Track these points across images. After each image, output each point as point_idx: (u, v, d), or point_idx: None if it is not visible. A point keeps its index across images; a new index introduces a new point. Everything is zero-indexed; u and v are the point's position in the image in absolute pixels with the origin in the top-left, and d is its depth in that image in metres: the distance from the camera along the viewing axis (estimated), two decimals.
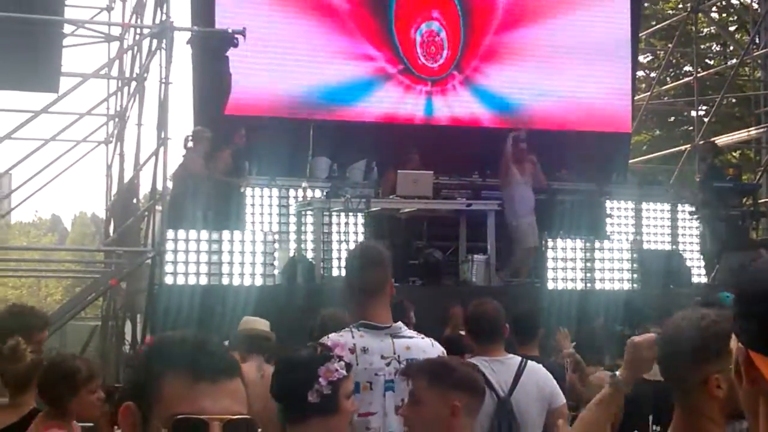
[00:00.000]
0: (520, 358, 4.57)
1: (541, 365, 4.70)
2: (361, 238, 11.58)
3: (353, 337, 3.78)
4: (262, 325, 6.24)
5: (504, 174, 12.70)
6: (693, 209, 13.82)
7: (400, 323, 3.87)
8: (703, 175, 14.64)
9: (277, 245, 11.24)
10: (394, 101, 15.48)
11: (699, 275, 13.53)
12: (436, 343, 3.90)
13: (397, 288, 11.66)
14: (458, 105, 15.83)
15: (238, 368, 1.75)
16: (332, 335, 3.82)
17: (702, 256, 13.68)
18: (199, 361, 1.70)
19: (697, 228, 14.00)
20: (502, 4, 16.12)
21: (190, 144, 11.76)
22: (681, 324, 2.75)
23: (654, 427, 4.03)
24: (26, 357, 4.33)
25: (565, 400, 4.55)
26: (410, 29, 15.51)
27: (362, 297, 3.91)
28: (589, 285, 11.82)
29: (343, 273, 11.47)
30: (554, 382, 4.58)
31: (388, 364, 3.72)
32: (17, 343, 4.31)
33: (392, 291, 3.98)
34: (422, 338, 3.89)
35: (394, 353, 3.72)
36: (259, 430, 1.73)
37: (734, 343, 1.55)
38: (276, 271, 10.99)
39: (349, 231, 11.59)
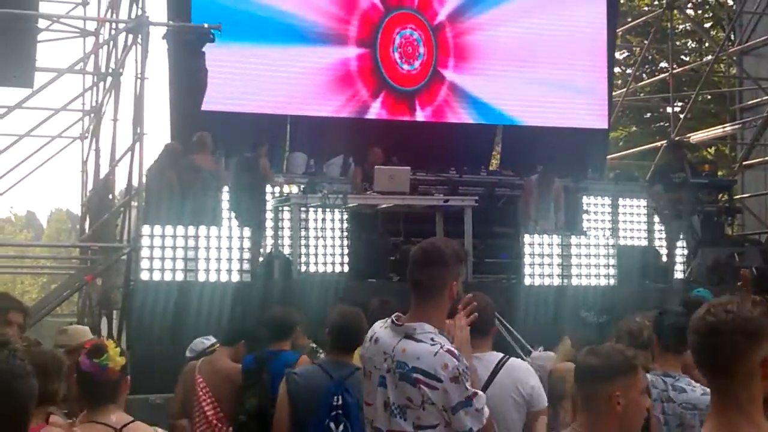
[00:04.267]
0: (501, 355, 4.43)
1: (527, 364, 4.61)
2: (338, 233, 11.57)
3: (382, 326, 3.81)
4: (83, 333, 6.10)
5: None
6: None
7: (423, 324, 3.64)
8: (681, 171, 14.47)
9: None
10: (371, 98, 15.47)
11: (675, 271, 13.57)
12: (443, 353, 3.55)
13: (374, 284, 11.57)
14: (436, 102, 15.84)
15: None
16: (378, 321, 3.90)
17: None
18: None
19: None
20: None
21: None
22: None
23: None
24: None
25: (546, 403, 4.41)
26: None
27: (411, 292, 3.84)
28: (566, 281, 11.84)
29: (320, 269, 11.47)
30: (538, 382, 4.42)
31: (384, 360, 3.67)
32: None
33: (451, 291, 3.73)
34: (431, 344, 3.59)
35: (392, 352, 3.65)
36: None
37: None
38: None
39: (326, 227, 11.57)
